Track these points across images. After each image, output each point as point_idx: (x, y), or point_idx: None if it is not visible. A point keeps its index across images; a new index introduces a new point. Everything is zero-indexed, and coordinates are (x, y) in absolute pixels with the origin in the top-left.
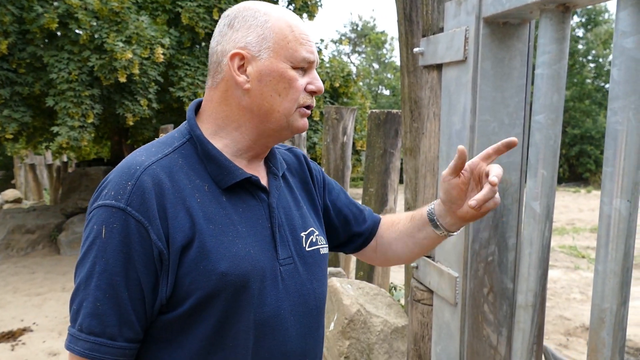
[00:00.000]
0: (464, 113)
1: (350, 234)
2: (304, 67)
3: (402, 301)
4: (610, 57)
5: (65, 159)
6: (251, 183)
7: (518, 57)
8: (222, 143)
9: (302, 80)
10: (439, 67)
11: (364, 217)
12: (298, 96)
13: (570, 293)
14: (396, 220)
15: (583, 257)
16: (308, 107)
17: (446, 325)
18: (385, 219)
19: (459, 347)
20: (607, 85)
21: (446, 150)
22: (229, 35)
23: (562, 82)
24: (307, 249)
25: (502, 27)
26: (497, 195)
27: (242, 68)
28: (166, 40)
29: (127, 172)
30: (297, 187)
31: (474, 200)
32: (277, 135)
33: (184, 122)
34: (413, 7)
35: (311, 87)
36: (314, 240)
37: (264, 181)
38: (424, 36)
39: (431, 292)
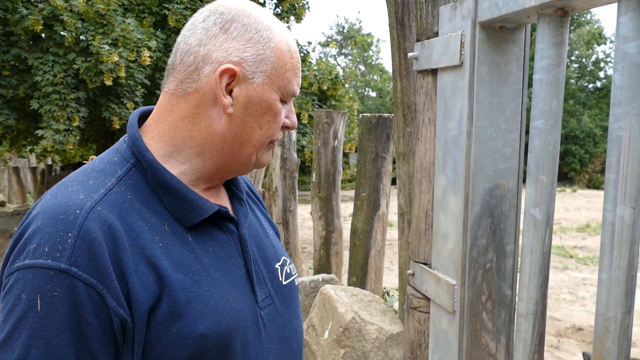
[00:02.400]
0: (460, 118)
1: None
2: (287, 101)
3: (396, 307)
4: (593, 58)
5: (49, 161)
6: (219, 215)
7: (514, 62)
8: (179, 169)
9: (283, 114)
10: (434, 71)
11: None
12: (276, 132)
13: (560, 293)
14: None
15: (571, 257)
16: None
17: (444, 333)
18: None
19: (457, 355)
20: (590, 85)
21: (442, 156)
22: (220, 40)
23: (561, 88)
24: (283, 283)
25: (499, 32)
26: None
27: (228, 87)
28: (153, 43)
29: (64, 219)
30: (258, 211)
31: None
32: (241, 170)
33: (123, 139)
34: (405, 10)
35: (287, 122)
36: (288, 271)
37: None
38: (418, 40)
39: (428, 299)
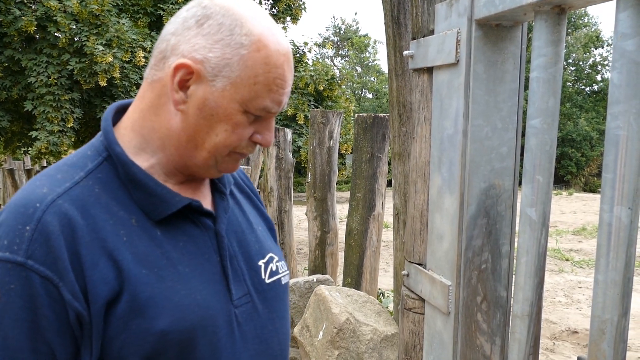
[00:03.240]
0: (456, 117)
1: None
2: (259, 115)
3: (391, 308)
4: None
5: (44, 163)
6: (192, 209)
7: (511, 60)
8: (148, 163)
9: (247, 130)
10: (429, 70)
11: None
12: (237, 144)
13: (555, 296)
14: None
15: (567, 259)
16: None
17: (438, 334)
18: None
19: (452, 357)
20: (587, 89)
21: (438, 156)
22: (191, 33)
23: (557, 86)
24: (266, 281)
25: (495, 30)
26: None
27: (184, 83)
28: (148, 44)
29: (24, 212)
30: (246, 205)
31: None
32: (202, 172)
33: (99, 134)
34: (401, 9)
35: (257, 138)
36: (274, 268)
37: (207, 203)
38: (413, 39)
39: (423, 300)
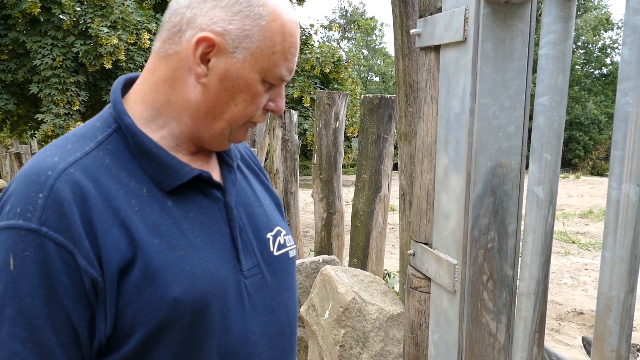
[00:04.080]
0: (463, 96)
1: None
2: (274, 84)
3: (397, 288)
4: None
5: None
6: (201, 181)
7: (519, 38)
8: (159, 134)
9: (264, 97)
10: (436, 48)
11: None
12: (254, 113)
13: (562, 278)
14: None
15: (573, 242)
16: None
17: (444, 313)
18: None
19: (458, 335)
20: (596, 72)
21: (444, 135)
22: (208, 6)
23: (567, 63)
24: (275, 254)
25: (504, 7)
26: None
27: (205, 56)
28: (153, 26)
29: (36, 180)
30: (253, 180)
31: None
32: (214, 144)
33: (108, 106)
34: None
35: (271, 106)
36: (282, 242)
37: (216, 175)
38: (420, 17)
39: (429, 279)
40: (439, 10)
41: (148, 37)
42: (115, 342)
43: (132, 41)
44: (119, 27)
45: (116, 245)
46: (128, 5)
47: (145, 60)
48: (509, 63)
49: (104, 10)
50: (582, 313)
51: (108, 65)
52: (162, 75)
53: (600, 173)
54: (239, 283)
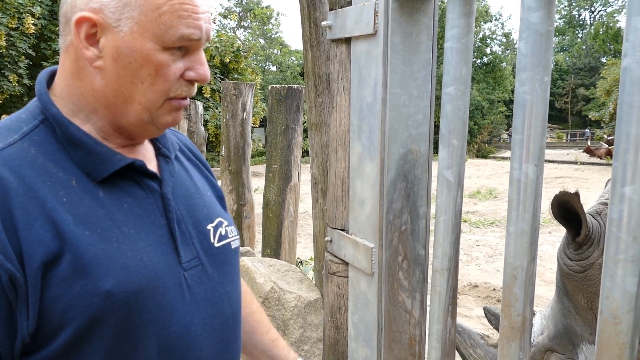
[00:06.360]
0: (375, 86)
1: None
2: (184, 47)
3: (310, 275)
4: (481, 35)
5: None
6: (135, 170)
7: (424, 32)
8: (85, 127)
9: (176, 66)
10: (347, 40)
11: None
12: (168, 87)
13: None
14: (252, 311)
15: (465, 221)
16: (184, 98)
17: (363, 295)
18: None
19: (377, 314)
20: (478, 61)
21: (357, 124)
22: None
23: (469, 55)
24: (216, 245)
25: (410, 2)
26: None
27: (93, 38)
28: (37, 9)
29: None
30: (194, 172)
31: None
32: (140, 131)
33: (34, 99)
34: None
35: (191, 75)
36: (223, 233)
37: (152, 166)
38: (331, 9)
39: (346, 264)
40: (349, 3)
41: (32, 22)
42: (43, 338)
43: (14, 25)
44: None
45: (40, 238)
46: None
47: (30, 47)
48: (416, 55)
49: None
50: (476, 286)
51: None
52: (69, 69)
53: (484, 155)
54: (178, 275)
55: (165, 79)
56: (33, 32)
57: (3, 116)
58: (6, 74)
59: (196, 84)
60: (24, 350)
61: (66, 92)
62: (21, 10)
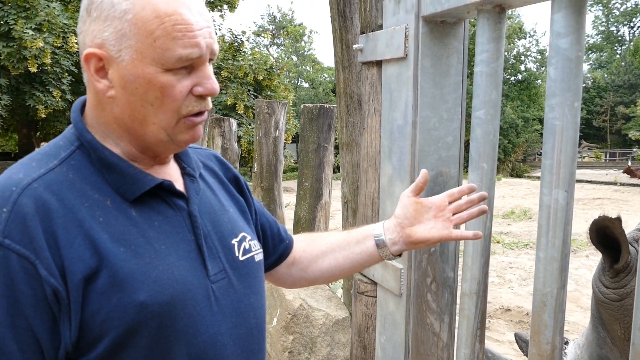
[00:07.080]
0: (405, 109)
1: (267, 249)
2: (188, 66)
3: (339, 293)
4: (515, 52)
5: None
6: (164, 189)
7: (455, 55)
8: (115, 150)
9: (182, 85)
10: (378, 63)
11: (279, 229)
12: (178, 105)
13: (489, 277)
14: (324, 235)
15: (498, 242)
16: (198, 114)
17: (391, 315)
18: (306, 235)
19: (404, 336)
20: (512, 78)
21: (388, 145)
22: (87, 24)
23: (499, 79)
24: (240, 259)
25: (440, 26)
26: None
27: (102, 70)
28: None
29: (1, 195)
30: (218, 189)
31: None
32: (163, 149)
33: (69, 127)
34: (347, 3)
35: (199, 90)
36: (247, 247)
37: (179, 185)
38: (362, 33)
39: (375, 284)
40: (380, 27)
41: (75, 41)
42: (84, 347)
43: (59, 44)
44: (44, 29)
45: (80, 255)
46: (54, 8)
47: (73, 64)
48: (446, 78)
49: (28, 12)
50: (509, 310)
51: (33, 69)
52: (92, 101)
53: (519, 174)
54: (206, 287)
55: (173, 99)
56: (76, 51)
57: (42, 143)
58: (50, 90)
59: (209, 98)
60: (67, 357)
61: (95, 121)
62: (66, 30)
